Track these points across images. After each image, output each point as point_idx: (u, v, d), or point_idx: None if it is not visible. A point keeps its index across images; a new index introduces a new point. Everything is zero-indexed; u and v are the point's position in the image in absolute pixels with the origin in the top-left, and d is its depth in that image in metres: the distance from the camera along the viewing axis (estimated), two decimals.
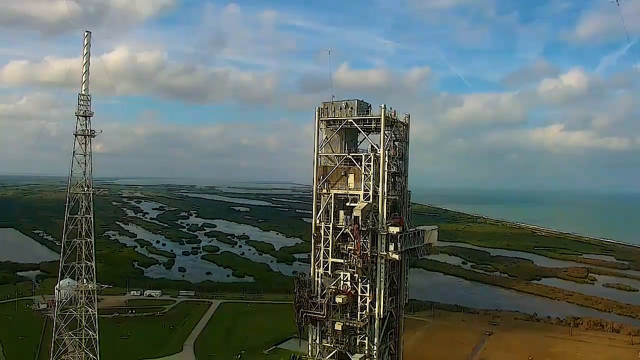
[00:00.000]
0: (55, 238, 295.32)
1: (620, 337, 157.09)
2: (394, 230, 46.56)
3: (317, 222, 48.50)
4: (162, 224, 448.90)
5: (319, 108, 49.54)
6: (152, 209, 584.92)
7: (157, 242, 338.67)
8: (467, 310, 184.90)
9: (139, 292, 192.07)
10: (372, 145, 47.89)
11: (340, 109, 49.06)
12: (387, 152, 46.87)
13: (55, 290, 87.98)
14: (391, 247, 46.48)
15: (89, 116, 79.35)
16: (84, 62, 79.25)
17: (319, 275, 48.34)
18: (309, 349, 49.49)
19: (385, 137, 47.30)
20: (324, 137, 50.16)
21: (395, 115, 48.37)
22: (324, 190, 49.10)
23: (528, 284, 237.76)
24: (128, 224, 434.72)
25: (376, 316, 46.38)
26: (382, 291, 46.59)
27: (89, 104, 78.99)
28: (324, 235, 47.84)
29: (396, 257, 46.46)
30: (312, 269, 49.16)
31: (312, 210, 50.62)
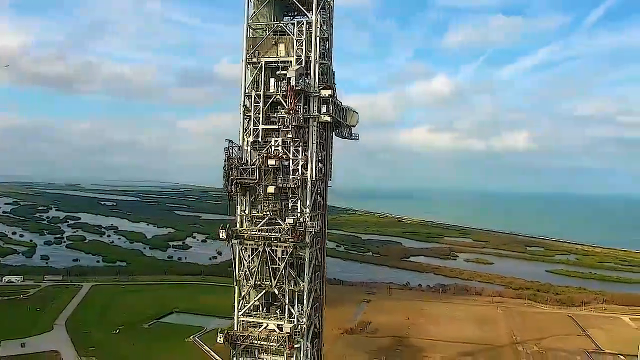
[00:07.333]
0: None
1: (482, 298, 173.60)
2: (326, 93, 48.66)
3: (247, 91, 48.48)
4: (17, 217, 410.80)
5: None
6: (5, 204, 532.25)
7: (14, 233, 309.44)
8: (344, 284, 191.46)
9: None
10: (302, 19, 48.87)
11: None
12: (318, 17, 48.25)
13: None
14: (323, 109, 48.08)
15: None
16: None
17: (249, 144, 48.24)
18: (237, 220, 48.68)
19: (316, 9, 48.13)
20: (252, 10, 50.38)
21: None
22: (254, 60, 49.13)
23: (399, 261, 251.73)
24: None
25: (308, 178, 47.30)
26: (314, 154, 47.62)
27: None
28: (254, 103, 47.99)
29: (327, 118, 48.12)
30: (240, 139, 48.75)
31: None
